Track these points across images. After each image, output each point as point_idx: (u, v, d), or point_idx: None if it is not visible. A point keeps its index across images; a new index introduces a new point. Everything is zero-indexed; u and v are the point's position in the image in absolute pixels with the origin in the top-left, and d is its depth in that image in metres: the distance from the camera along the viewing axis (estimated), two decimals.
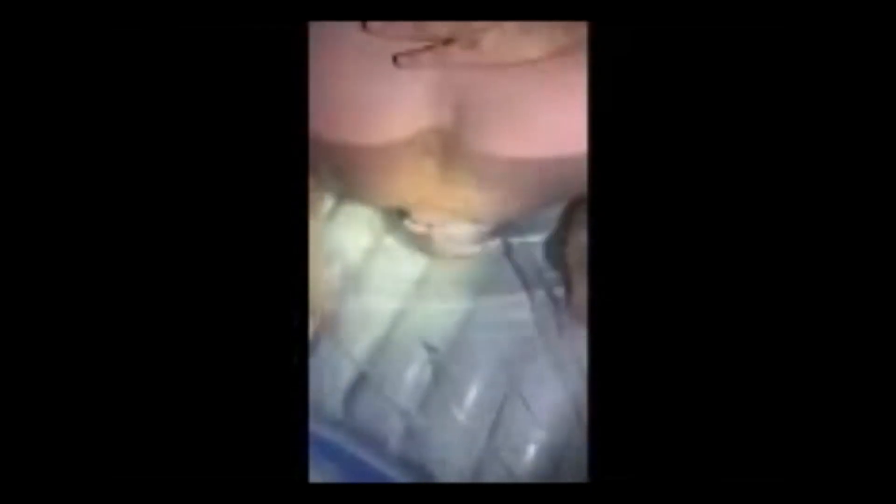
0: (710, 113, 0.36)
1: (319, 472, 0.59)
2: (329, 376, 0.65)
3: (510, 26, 0.45)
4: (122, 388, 0.35)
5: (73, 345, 0.34)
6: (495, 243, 0.69)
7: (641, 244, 0.36)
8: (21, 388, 0.34)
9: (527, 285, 0.69)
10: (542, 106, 0.48)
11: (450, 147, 0.52)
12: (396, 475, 0.64)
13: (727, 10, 0.35)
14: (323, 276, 0.67)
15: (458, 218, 0.62)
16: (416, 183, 0.57)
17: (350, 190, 0.67)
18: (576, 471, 0.63)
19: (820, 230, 0.35)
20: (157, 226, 0.35)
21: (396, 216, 0.66)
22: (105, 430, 0.34)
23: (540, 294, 0.69)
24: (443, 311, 0.69)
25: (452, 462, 0.64)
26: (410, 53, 0.46)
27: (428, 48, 0.46)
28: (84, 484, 0.34)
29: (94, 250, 0.35)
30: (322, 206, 0.69)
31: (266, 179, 0.35)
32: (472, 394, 0.66)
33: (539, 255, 0.70)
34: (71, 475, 0.34)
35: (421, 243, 0.67)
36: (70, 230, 0.34)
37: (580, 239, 0.64)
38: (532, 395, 0.66)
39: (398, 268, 0.70)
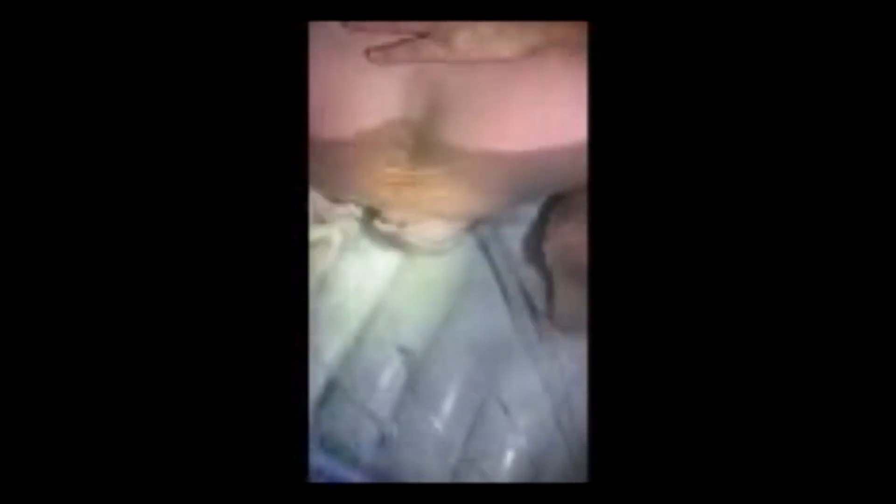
0: (710, 112, 0.38)
1: None
2: None
3: (484, 24, 0.47)
4: (120, 390, 0.36)
5: (73, 345, 0.36)
6: (471, 243, 0.71)
7: (640, 244, 0.38)
8: (18, 385, 0.36)
9: (504, 286, 0.71)
10: (518, 99, 0.50)
11: (421, 140, 0.53)
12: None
13: (726, 8, 0.38)
14: None
15: (430, 216, 0.63)
16: (386, 178, 0.58)
17: (318, 187, 0.68)
18: (556, 477, 0.66)
19: (819, 226, 0.37)
20: (156, 227, 0.37)
21: (367, 215, 0.67)
22: (105, 430, 0.36)
23: (517, 295, 0.71)
24: (417, 314, 0.70)
25: (427, 470, 0.66)
26: (383, 48, 0.48)
27: (402, 42, 0.48)
28: (84, 484, 0.36)
29: (90, 241, 0.36)
30: None
31: (265, 180, 0.37)
32: (448, 399, 0.68)
33: (517, 254, 0.72)
34: (71, 475, 0.36)
35: (393, 243, 0.68)
36: (69, 227, 0.36)
37: (559, 236, 0.65)
38: (510, 399, 0.68)
39: (370, 268, 0.71)
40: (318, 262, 0.69)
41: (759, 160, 0.38)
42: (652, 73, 0.38)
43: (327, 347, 0.69)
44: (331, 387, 0.68)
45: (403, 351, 0.69)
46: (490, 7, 0.45)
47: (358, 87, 0.51)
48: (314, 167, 0.54)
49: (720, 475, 0.37)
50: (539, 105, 0.50)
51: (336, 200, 0.68)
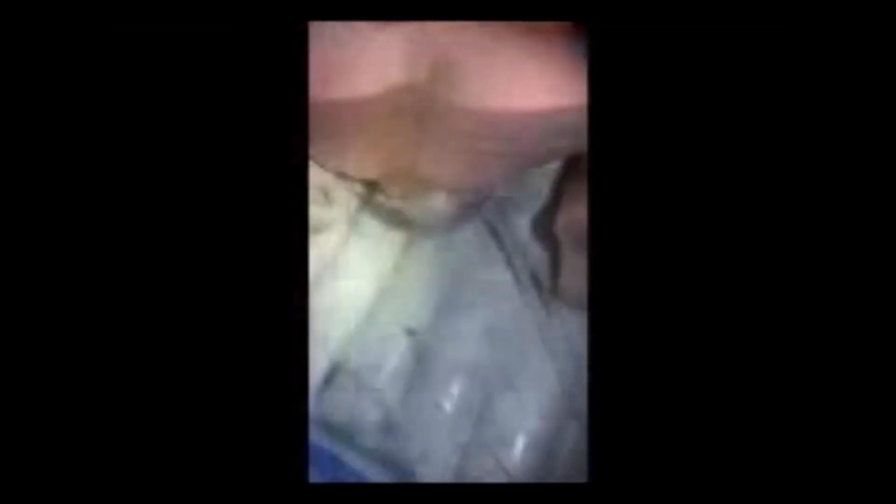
0: (712, 102, 0.38)
1: None
2: None
3: None
4: (119, 389, 0.37)
5: (71, 344, 0.37)
6: (477, 218, 0.71)
7: (647, 218, 0.38)
8: (14, 383, 0.37)
9: (513, 264, 0.71)
10: (526, 56, 0.49)
11: (425, 104, 0.52)
12: (374, 473, 0.66)
13: (727, 8, 0.38)
14: None
15: (435, 187, 0.63)
16: (388, 147, 0.58)
17: (317, 159, 0.67)
18: (569, 463, 0.66)
19: (820, 218, 0.38)
20: (155, 224, 0.37)
21: (368, 189, 0.67)
22: (104, 430, 0.37)
23: (527, 273, 0.71)
24: (423, 295, 0.71)
25: (435, 457, 0.67)
26: None
27: None
28: (83, 484, 0.37)
29: (89, 234, 0.37)
30: None
31: (263, 185, 0.37)
32: (455, 382, 0.68)
33: (526, 230, 0.72)
34: (70, 475, 0.37)
35: (397, 219, 0.68)
36: (70, 222, 0.37)
37: (570, 212, 0.65)
38: (521, 382, 0.68)
39: (373, 248, 0.71)
40: (321, 245, 0.70)
41: (763, 152, 0.38)
42: (652, 71, 0.38)
43: (332, 332, 0.69)
44: (335, 372, 0.69)
45: (409, 332, 0.69)
46: (490, 7, 0.45)
47: (357, 48, 0.50)
48: (312, 138, 0.53)
49: (722, 475, 0.38)
50: (549, 63, 0.49)
51: (337, 174, 0.68)
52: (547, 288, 0.71)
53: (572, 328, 0.69)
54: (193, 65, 0.37)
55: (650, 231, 0.39)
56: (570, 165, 0.68)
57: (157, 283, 0.38)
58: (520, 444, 0.68)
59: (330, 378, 0.69)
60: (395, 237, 0.72)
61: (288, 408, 0.38)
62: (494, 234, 0.72)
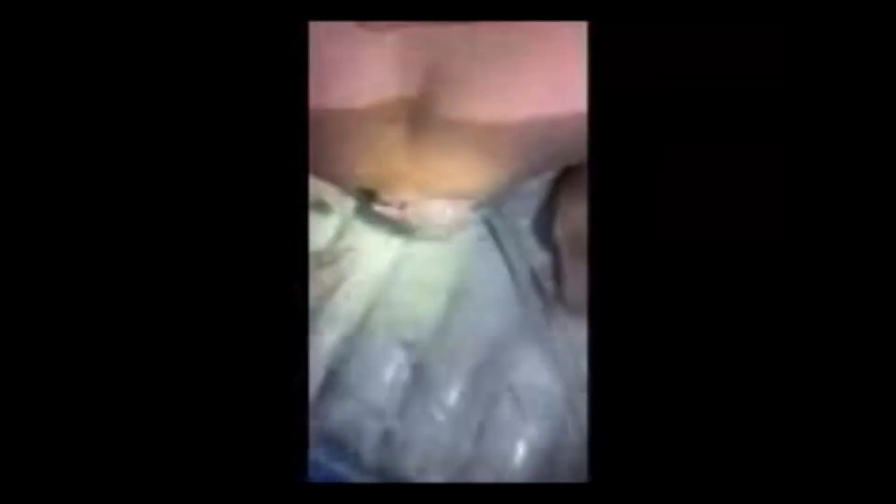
0: (710, 102, 0.39)
1: None
2: None
3: None
4: (118, 389, 0.38)
5: (69, 342, 0.38)
6: (476, 225, 0.72)
7: (647, 223, 0.39)
8: (14, 383, 0.37)
9: (513, 271, 0.72)
10: (523, 62, 0.49)
11: (420, 114, 0.53)
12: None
13: (727, 8, 0.39)
14: None
15: (433, 194, 0.63)
16: (383, 155, 0.58)
17: (312, 168, 0.66)
18: (568, 472, 0.67)
19: (826, 224, 0.38)
20: (151, 229, 0.38)
21: (364, 197, 0.67)
22: (102, 430, 0.38)
23: (527, 281, 0.72)
24: (420, 304, 0.71)
25: (434, 469, 0.67)
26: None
27: None
28: (82, 483, 0.38)
29: (85, 237, 0.38)
30: None
31: (262, 189, 0.38)
32: (454, 393, 0.69)
33: (525, 236, 0.73)
34: (68, 475, 0.38)
35: (393, 227, 0.69)
36: (72, 224, 0.38)
37: (571, 216, 0.66)
38: (521, 392, 0.69)
39: (369, 256, 0.72)
40: (317, 251, 0.71)
41: (768, 156, 0.39)
42: (652, 70, 0.39)
43: (326, 341, 0.70)
44: (330, 382, 0.70)
45: (406, 344, 0.70)
46: (490, 7, 0.45)
47: (351, 54, 0.50)
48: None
49: (722, 476, 0.39)
50: (549, 68, 0.50)
51: (332, 182, 0.68)
52: (549, 295, 0.71)
53: (574, 335, 0.70)
54: (191, 64, 0.38)
55: (651, 236, 0.39)
56: (570, 172, 0.69)
57: (155, 292, 0.39)
58: (520, 454, 0.68)
59: (326, 389, 0.70)
60: (392, 245, 0.73)
61: (289, 407, 0.38)
62: (494, 241, 0.73)
